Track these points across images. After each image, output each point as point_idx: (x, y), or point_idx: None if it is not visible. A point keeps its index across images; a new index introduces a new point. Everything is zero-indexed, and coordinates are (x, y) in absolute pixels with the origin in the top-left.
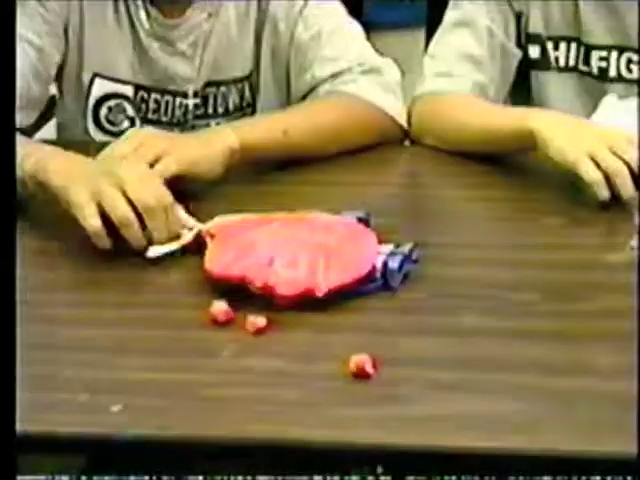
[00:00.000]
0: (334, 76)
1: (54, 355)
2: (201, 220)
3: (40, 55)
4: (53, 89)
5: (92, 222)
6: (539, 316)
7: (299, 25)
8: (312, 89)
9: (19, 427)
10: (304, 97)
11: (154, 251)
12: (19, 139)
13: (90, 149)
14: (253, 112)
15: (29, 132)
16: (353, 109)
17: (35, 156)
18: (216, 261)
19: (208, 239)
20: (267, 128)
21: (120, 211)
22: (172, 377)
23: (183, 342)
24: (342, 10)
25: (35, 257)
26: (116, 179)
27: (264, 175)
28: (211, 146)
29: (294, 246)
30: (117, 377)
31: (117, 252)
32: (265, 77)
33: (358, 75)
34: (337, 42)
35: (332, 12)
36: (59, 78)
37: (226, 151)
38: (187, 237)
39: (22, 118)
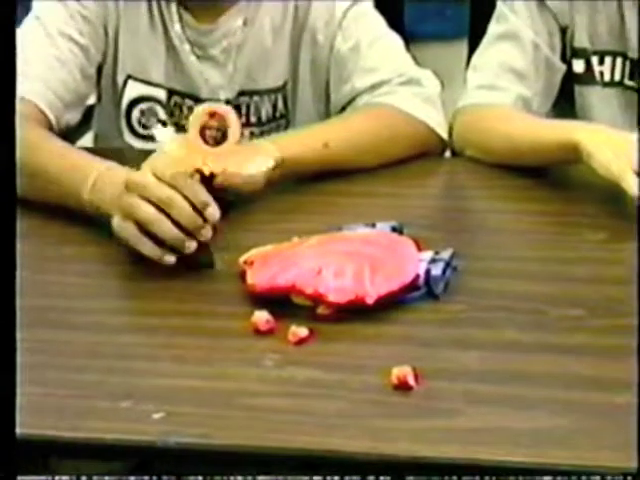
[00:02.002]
0: (373, 87)
1: (97, 362)
2: (238, 238)
3: (85, 53)
4: (91, 99)
5: (148, 251)
6: (582, 331)
7: (338, 36)
8: (351, 100)
9: (63, 433)
10: (343, 108)
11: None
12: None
13: (127, 157)
14: (287, 123)
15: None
16: (392, 121)
17: (92, 180)
18: (260, 275)
19: (246, 267)
20: (308, 141)
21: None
22: (214, 385)
23: (225, 351)
24: (381, 21)
25: (78, 264)
26: (136, 186)
27: (301, 186)
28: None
29: (338, 257)
30: (160, 384)
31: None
32: (303, 88)
33: (397, 86)
34: (376, 53)
35: (371, 23)
36: (98, 80)
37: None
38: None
39: (70, 117)
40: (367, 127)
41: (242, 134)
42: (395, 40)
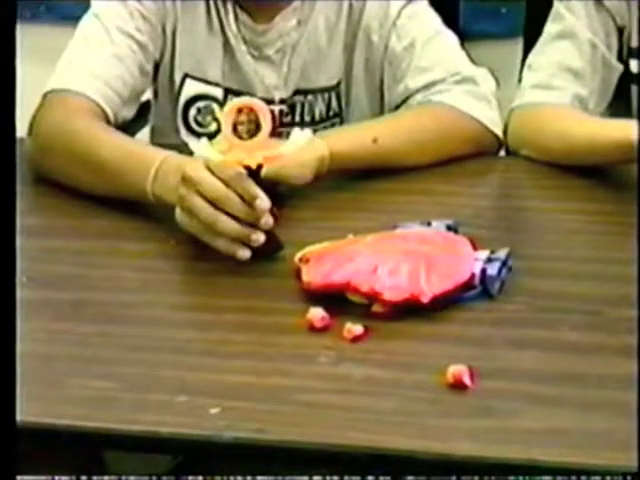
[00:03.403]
0: (427, 87)
1: (154, 357)
2: (293, 235)
3: (143, 51)
4: (147, 94)
5: (221, 247)
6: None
7: (392, 36)
8: (405, 100)
9: (120, 426)
10: (397, 108)
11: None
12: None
13: (183, 152)
14: (341, 122)
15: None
16: (444, 118)
17: (154, 170)
18: (315, 272)
19: (301, 265)
20: (356, 136)
21: (203, 214)
22: (269, 381)
23: (280, 347)
24: (436, 19)
25: (134, 260)
26: (191, 180)
27: (356, 184)
28: (301, 151)
29: (394, 255)
30: (216, 379)
31: (214, 256)
32: (357, 88)
33: (452, 85)
34: (431, 52)
35: (426, 22)
36: (154, 77)
37: (316, 157)
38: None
39: (127, 113)
40: (417, 124)
41: (274, 121)
42: (450, 38)
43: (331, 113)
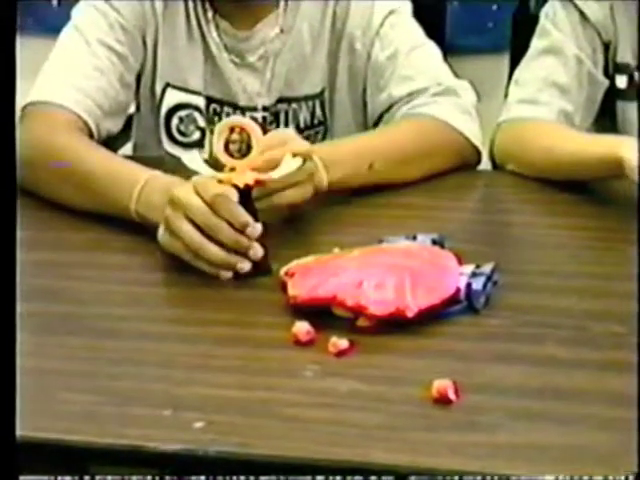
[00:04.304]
0: (410, 95)
1: (139, 370)
2: (279, 249)
3: (124, 62)
4: (131, 108)
5: (204, 268)
6: (624, 348)
7: (376, 45)
8: (389, 108)
9: (105, 440)
10: (380, 116)
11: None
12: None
13: (167, 165)
14: (325, 130)
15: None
16: (435, 134)
17: (138, 190)
18: (301, 286)
19: (287, 279)
20: (354, 162)
21: (188, 238)
22: (254, 395)
23: (265, 361)
24: (419, 30)
25: (119, 272)
26: (180, 204)
27: (342, 198)
28: (299, 184)
29: (380, 269)
30: (201, 393)
31: (200, 270)
32: (341, 96)
33: (436, 97)
34: (414, 62)
35: (409, 32)
36: (137, 88)
37: (313, 189)
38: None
39: (111, 126)
40: (412, 144)
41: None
42: (433, 49)
43: (315, 121)
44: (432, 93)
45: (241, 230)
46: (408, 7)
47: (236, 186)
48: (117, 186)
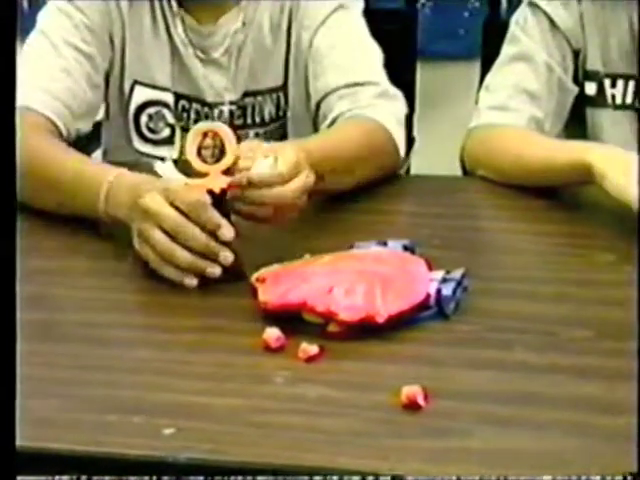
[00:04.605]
0: (347, 87)
1: (109, 377)
2: (250, 255)
3: (91, 62)
4: (99, 114)
5: (170, 275)
6: (592, 353)
7: (319, 34)
8: (324, 97)
9: (74, 447)
10: (318, 106)
11: None
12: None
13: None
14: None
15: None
16: (379, 139)
17: (105, 189)
18: (271, 292)
19: (258, 285)
20: (321, 171)
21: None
22: (224, 402)
23: (235, 367)
24: (365, 29)
25: (90, 278)
26: (150, 212)
27: (313, 204)
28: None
29: (350, 275)
30: (170, 400)
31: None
32: (296, 88)
33: (376, 99)
34: (354, 54)
35: (354, 28)
36: (106, 89)
37: (305, 181)
38: None
39: (81, 126)
40: (355, 151)
41: (239, 142)
42: (375, 50)
43: (280, 113)
44: (373, 94)
45: (214, 234)
46: (359, 6)
47: (211, 191)
48: (85, 187)
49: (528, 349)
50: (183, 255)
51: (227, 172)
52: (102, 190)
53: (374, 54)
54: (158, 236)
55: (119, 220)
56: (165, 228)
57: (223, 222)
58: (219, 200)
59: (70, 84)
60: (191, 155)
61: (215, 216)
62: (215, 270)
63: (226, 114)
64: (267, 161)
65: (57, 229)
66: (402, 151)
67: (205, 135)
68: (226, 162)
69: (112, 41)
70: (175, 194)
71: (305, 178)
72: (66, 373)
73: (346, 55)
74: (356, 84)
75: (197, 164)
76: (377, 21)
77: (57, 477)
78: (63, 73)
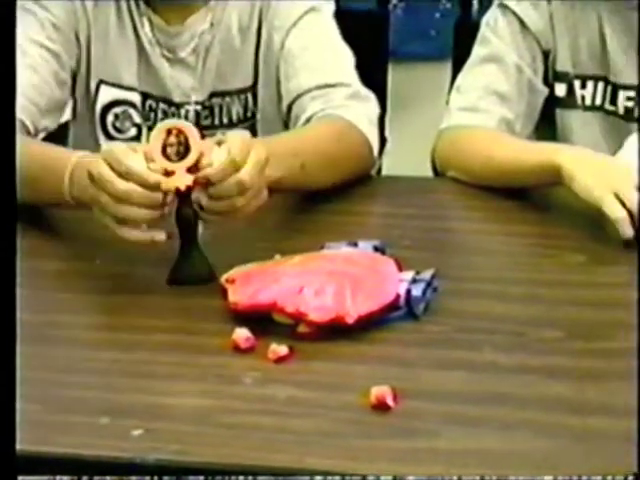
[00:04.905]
0: (319, 88)
1: (77, 378)
2: (220, 255)
3: (57, 59)
4: (65, 115)
5: (135, 237)
6: (561, 354)
7: (291, 35)
8: (296, 98)
9: (40, 448)
10: (289, 108)
11: None
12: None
13: None
14: (255, 124)
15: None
16: (352, 139)
17: (69, 172)
18: (241, 293)
19: (228, 285)
20: (286, 162)
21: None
22: (193, 403)
23: (204, 368)
24: (336, 32)
25: (56, 279)
26: (96, 179)
27: (281, 202)
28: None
29: (320, 276)
30: (139, 400)
31: (140, 276)
32: (268, 89)
33: (349, 100)
34: (326, 56)
35: (326, 30)
36: (73, 87)
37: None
38: None
39: (48, 122)
40: (335, 146)
41: (203, 139)
42: (346, 53)
43: (248, 114)
44: (345, 95)
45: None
46: (330, 8)
47: (177, 189)
48: (49, 172)
49: (497, 349)
50: (134, 211)
51: (192, 169)
52: (65, 173)
53: (346, 56)
54: (105, 199)
55: (84, 202)
56: (106, 191)
57: (162, 179)
58: (184, 197)
59: (36, 81)
60: (156, 153)
61: (150, 173)
62: (161, 235)
63: (192, 114)
64: (222, 150)
65: (24, 230)
66: (376, 151)
67: (169, 132)
68: (191, 159)
69: (78, 39)
70: (109, 155)
71: (256, 156)
72: (32, 374)
73: (318, 57)
74: (328, 85)
75: (162, 162)
76: (349, 22)
77: (57, 477)
78: (29, 70)
